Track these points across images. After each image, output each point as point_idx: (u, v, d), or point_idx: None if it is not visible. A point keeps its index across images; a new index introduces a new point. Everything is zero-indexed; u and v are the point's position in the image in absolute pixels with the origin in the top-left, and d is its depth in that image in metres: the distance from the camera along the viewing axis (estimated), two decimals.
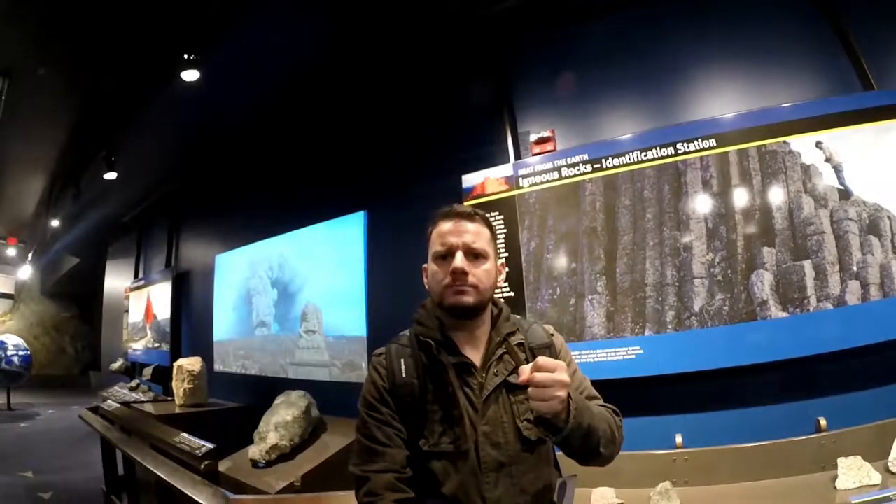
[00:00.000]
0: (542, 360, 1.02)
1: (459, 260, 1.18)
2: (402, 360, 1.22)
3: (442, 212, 1.27)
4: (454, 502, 1.12)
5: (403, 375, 1.20)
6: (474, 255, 1.20)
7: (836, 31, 2.58)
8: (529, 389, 1.01)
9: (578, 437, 1.06)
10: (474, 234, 1.22)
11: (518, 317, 1.33)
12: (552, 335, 1.31)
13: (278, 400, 3.44)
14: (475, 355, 1.22)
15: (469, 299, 1.18)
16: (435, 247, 1.23)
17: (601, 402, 1.27)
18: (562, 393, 1.00)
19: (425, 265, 1.28)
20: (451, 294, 1.19)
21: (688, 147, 2.66)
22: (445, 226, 1.23)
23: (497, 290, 1.30)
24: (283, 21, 3.54)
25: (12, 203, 8.45)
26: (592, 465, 1.17)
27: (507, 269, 2.89)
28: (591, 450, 1.11)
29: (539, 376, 0.99)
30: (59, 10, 3.51)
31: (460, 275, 1.17)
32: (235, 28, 3.74)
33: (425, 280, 1.28)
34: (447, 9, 3.43)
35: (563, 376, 1.00)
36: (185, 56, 3.94)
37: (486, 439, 1.14)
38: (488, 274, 1.22)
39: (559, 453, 1.25)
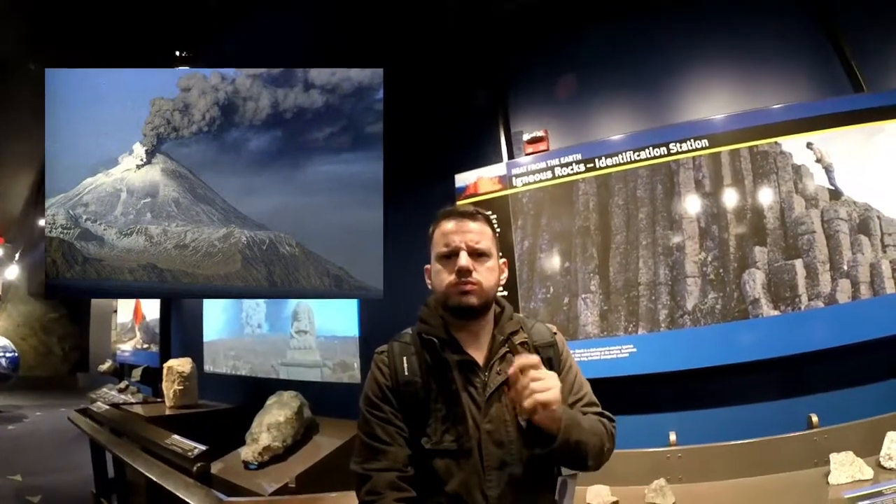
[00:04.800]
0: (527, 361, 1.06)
1: (464, 260, 1.18)
2: (405, 358, 1.21)
3: (444, 211, 1.27)
4: (456, 501, 1.11)
5: (406, 373, 1.19)
6: (478, 255, 1.20)
7: (827, 34, 2.62)
8: (514, 389, 1.05)
9: (565, 452, 1.10)
10: (477, 233, 1.22)
11: (521, 315, 1.33)
12: (555, 334, 1.31)
13: (270, 400, 3.42)
14: (478, 354, 1.22)
15: (473, 300, 1.18)
16: (438, 247, 1.23)
17: (598, 409, 1.26)
18: (554, 403, 1.04)
19: (427, 266, 1.28)
20: (455, 294, 1.18)
21: (680, 147, 2.68)
22: (448, 225, 1.23)
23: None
24: (280, 18, 3.53)
25: None
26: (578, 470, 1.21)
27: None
28: (577, 462, 1.16)
29: (534, 376, 1.04)
30: (51, 6, 3.48)
31: (465, 274, 1.17)
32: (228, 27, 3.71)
33: (428, 280, 1.28)
34: (443, 11, 3.43)
35: (554, 388, 1.05)
36: (177, 53, 3.92)
37: (488, 438, 1.14)
38: (491, 272, 1.22)
39: None
